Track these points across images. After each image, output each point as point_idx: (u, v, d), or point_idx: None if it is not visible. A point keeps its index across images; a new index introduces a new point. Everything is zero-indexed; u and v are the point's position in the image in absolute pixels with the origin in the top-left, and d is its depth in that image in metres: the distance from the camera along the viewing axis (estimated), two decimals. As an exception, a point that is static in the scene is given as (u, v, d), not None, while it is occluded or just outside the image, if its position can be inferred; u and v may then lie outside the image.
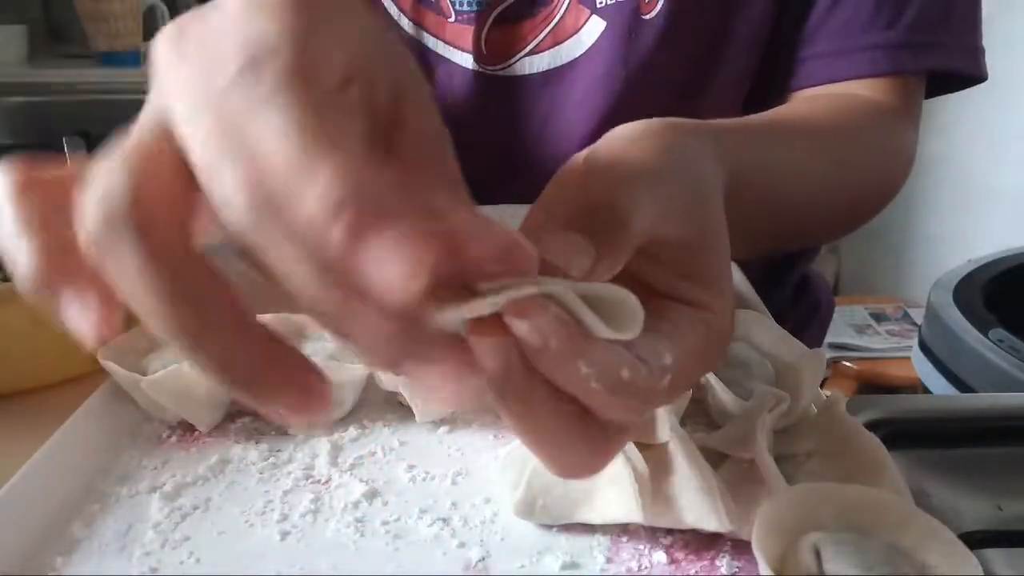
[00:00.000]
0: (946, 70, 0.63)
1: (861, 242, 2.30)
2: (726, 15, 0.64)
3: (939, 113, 1.90)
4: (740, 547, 0.35)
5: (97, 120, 1.03)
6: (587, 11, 0.65)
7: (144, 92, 0.23)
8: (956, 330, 0.96)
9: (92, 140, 0.94)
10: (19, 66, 1.57)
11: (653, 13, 0.64)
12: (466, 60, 0.68)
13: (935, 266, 1.33)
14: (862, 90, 0.61)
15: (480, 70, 0.68)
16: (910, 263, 2.17)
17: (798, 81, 0.64)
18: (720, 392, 0.41)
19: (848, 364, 1.86)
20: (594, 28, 0.65)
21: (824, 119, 0.57)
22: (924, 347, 1.03)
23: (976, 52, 0.64)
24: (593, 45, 0.66)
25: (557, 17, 0.66)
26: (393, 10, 0.69)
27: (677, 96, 0.67)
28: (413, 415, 0.44)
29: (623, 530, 0.36)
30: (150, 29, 1.57)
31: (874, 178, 0.60)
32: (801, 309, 0.82)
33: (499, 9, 0.67)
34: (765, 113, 0.53)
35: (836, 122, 0.57)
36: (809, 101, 0.61)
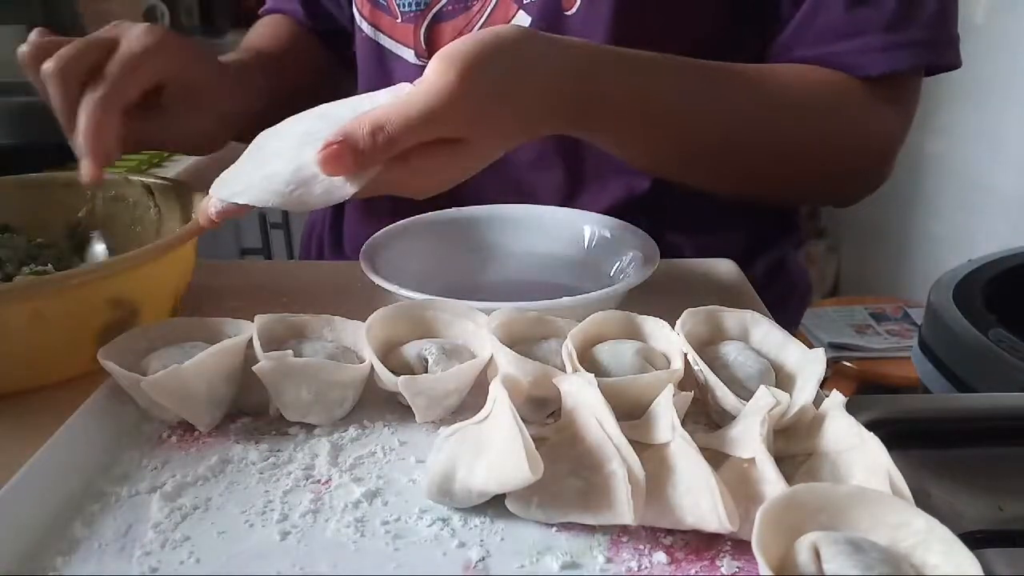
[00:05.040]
0: (925, 64, 0.64)
1: (861, 242, 2.30)
2: (649, 12, 0.66)
3: (939, 113, 1.90)
4: (740, 547, 0.35)
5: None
6: (515, 6, 0.68)
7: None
8: (956, 330, 0.96)
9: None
10: (19, 66, 1.57)
11: (573, 9, 0.67)
12: (411, 55, 0.73)
13: (935, 266, 1.33)
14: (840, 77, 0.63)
15: (422, 64, 0.72)
16: (910, 263, 2.17)
17: None
18: (720, 392, 0.41)
19: (848, 364, 1.86)
20: (521, 22, 0.69)
21: (788, 80, 0.61)
22: (924, 347, 1.03)
23: (952, 42, 0.65)
24: None
25: (488, 10, 0.70)
26: (356, 15, 0.76)
27: None
28: (413, 415, 0.44)
29: (623, 530, 0.36)
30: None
31: (838, 145, 0.62)
32: (775, 290, 0.83)
33: (436, 8, 0.71)
34: (704, 61, 0.59)
35: (802, 84, 0.61)
36: (793, 67, 0.64)
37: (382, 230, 0.62)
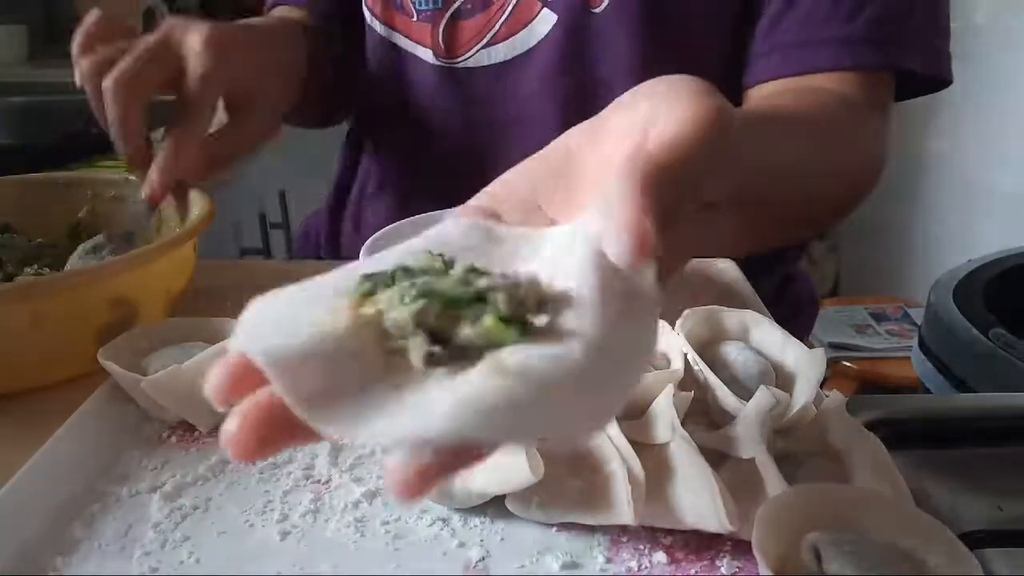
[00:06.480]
0: (908, 68, 0.62)
1: (861, 242, 2.30)
2: (678, 8, 0.65)
3: (939, 113, 1.89)
4: (740, 547, 0.35)
5: (97, 120, 1.03)
6: (539, 4, 0.67)
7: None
8: (956, 330, 0.96)
9: (92, 140, 0.94)
10: (19, 66, 1.58)
11: (602, 7, 0.65)
12: (428, 55, 0.71)
13: (935, 266, 1.33)
14: (827, 84, 0.60)
15: (440, 64, 0.71)
16: (910, 263, 2.17)
17: (757, 75, 0.63)
18: (720, 392, 0.41)
19: (848, 364, 1.85)
20: (546, 20, 0.67)
21: (804, 113, 0.57)
22: (924, 347, 1.03)
23: (939, 55, 0.63)
24: (545, 37, 0.67)
25: (509, 8, 0.68)
26: (367, 14, 0.73)
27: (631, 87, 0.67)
28: (413, 415, 0.44)
29: (623, 530, 0.36)
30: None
31: (850, 174, 0.60)
32: (782, 308, 0.82)
33: (455, 6, 0.69)
34: (758, 104, 0.53)
35: (814, 116, 0.57)
36: (784, 95, 0.61)
37: (386, 228, 0.61)
